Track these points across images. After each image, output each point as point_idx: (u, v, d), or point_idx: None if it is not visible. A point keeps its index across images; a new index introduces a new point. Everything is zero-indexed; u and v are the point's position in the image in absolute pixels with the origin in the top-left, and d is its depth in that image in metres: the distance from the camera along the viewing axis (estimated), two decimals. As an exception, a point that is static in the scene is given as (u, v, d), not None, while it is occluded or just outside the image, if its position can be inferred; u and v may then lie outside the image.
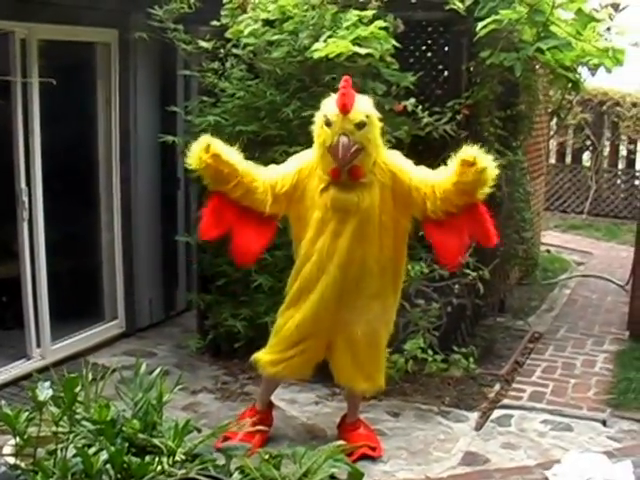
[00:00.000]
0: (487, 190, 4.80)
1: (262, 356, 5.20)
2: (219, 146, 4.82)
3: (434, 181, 4.90)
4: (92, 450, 2.76)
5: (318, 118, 4.86)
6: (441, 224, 4.92)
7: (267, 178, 4.98)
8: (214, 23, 6.49)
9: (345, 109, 4.67)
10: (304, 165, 5.03)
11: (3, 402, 2.94)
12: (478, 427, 5.76)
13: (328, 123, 4.73)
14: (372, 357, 5.18)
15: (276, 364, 5.13)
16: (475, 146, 4.74)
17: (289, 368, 5.15)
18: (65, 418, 2.78)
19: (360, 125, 4.71)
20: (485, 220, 4.91)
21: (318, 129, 4.85)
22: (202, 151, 4.75)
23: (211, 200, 4.97)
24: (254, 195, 4.91)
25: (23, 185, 6.23)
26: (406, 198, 4.95)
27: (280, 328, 5.16)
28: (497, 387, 6.45)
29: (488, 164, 4.69)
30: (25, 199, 6.23)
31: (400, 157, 5.13)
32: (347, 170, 4.81)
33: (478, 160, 4.65)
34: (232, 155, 4.86)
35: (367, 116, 4.76)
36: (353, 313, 5.05)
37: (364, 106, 4.81)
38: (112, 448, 2.67)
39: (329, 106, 4.80)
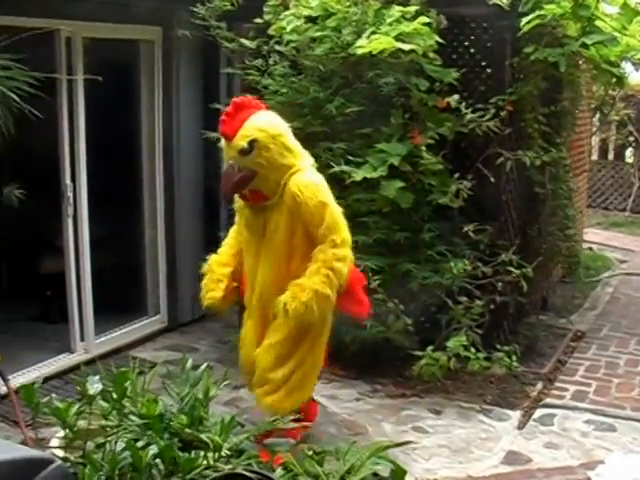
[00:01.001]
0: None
1: None
2: (214, 292, 5.05)
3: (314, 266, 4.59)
4: (140, 444, 2.78)
5: None
6: None
7: (235, 228, 5.14)
8: (257, 20, 6.51)
9: (226, 137, 4.53)
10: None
11: (53, 395, 2.97)
12: (520, 426, 5.73)
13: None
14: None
15: None
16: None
17: None
18: (114, 412, 2.80)
19: (243, 151, 4.48)
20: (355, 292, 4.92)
21: None
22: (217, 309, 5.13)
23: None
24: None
25: (68, 181, 6.30)
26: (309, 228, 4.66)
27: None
28: (539, 386, 6.41)
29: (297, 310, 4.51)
30: (70, 195, 6.30)
31: (316, 189, 4.63)
32: (249, 194, 4.67)
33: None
34: (218, 269, 5.08)
35: (253, 141, 4.47)
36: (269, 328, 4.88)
37: (251, 130, 4.50)
38: (162, 443, 2.69)
39: None
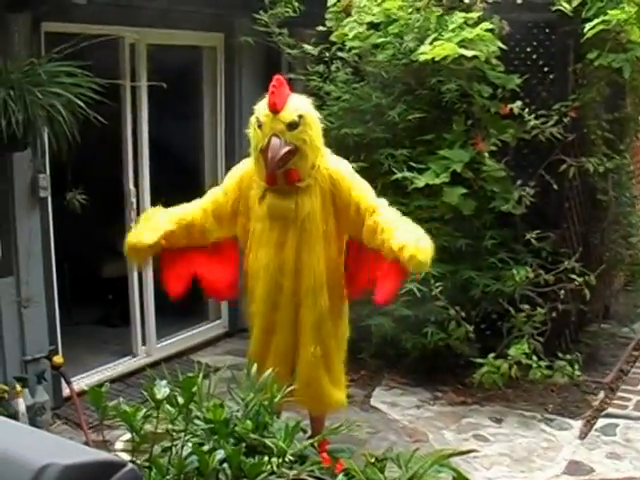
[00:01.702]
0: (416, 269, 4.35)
1: None
2: (145, 235, 4.70)
3: (380, 217, 4.46)
4: (204, 449, 2.80)
5: (250, 122, 4.58)
6: (361, 251, 4.64)
7: (202, 205, 4.80)
8: (319, 27, 6.53)
9: (275, 108, 4.38)
10: (244, 174, 4.72)
11: (121, 399, 3.01)
12: (582, 436, 5.67)
13: (259, 125, 4.44)
14: (329, 378, 4.80)
15: None
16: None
17: None
18: (180, 417, 2.83)
19: (292, 125, 4.38)
20: (396, 281, 4.42)
21: (252, 133, 4.54)
22: (135, 254, 4.81)
23: (160, 261, 4.90)
24: (193, 234, 4.73)
25: (131, 186, 6.38)
26: (345, 211, 4.60)
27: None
28: (601, 395, 6.34)
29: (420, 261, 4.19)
30: (133, 200, 6.38)
31: (347, 166, 4.75)
32: (282, 174, 4.48)
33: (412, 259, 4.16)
34: (159, 219, 4.78)
35: (300, 116, 4.42)
36: (308, 333, 4.66)
37: (297, 105, 4.49)
38: (229, 448, 2.71)
39: (260, 107, 4.51)
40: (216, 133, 7.21)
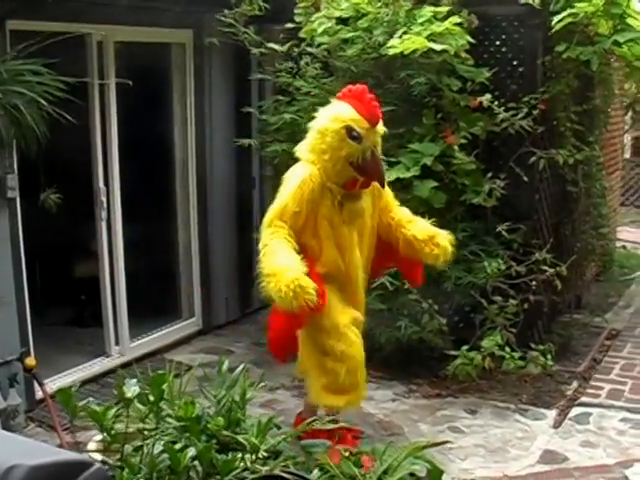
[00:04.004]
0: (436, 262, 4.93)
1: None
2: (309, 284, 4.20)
3: (405, 216, 5.00)
4: (177, 446, 2.79)
5: (330, 128, 4.46)
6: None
7: (288, 233, 4.48)
8: (288, 23, 6.52)
9: (377, 121, 4.47)
10: (314, 186, 4.51)
11: (90, 399, 3.00)
12: (556, 425, 5.70)
13: (356, 137, 4.41)
14: None
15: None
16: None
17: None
18: (151, 415, 2.82)
19: (382, 135, 4.62)
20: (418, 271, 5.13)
21: (336, 142, 4.44)
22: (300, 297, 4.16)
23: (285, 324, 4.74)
24: None
25: (101, 185, 6.34)
26: (381, 210, 4.95)
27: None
28: (575, 385, 6.37)
29: (447, 251, 4.84)
30: (103, 199, 6.34)
31: None
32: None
33: (443, 247, 4.82)
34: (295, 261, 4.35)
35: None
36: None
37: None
38: (200, 445, 2.70)
39: (347, 115, 4.44)
40: (186, 131, 7.18)
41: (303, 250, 4.57)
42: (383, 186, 4.67)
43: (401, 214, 5.00)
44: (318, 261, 4.65)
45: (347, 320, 4.72)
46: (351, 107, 4.46)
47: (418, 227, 4.92)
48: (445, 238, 4.88)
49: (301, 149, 4.70)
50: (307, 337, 4.87)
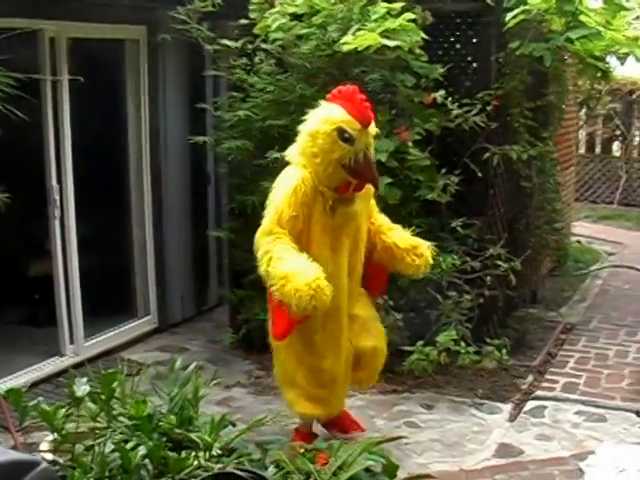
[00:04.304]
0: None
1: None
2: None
3: (385, 222, 4.99)
4: (129, 445, 2.78)
5: (321, 130, 4.39)
6: None
7: (289, 237, 4.42)
8: (242, 20, 6.48)
9: (369, 122, 4.40)
10: (307, 189, 4.45)
11: (40, 399, 2.96)
12: (512, 419, 5.73)
13: (347, 138, 4.34)
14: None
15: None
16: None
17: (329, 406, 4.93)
18: (102, 414, 2.80)
19: (374, 136, 4.57)
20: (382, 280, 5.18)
21: (327, 144, 4.37)
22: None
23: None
24: None
25: (54, 183, 6.27)
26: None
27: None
28: (530, 378, 6.42)
29: (428, 262, 4.86)
30: (57, 197, 6.27)
31: None
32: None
33: (425, 258, 4.83)
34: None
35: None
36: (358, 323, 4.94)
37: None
38: (150, 443, 2.69)
39: (338, 117, 4.37)
40: (140, 128, 7.12)
41: None
42: (377, 188, 4.63)
43: (381, 220, 4.96)
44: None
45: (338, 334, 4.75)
46: (342, 108, 4.39)
47: (399, 235, 4.89)
48: (427, 249, 4.86)
49: (291, 153, 4.63)
50: (285, 345, 4.79)
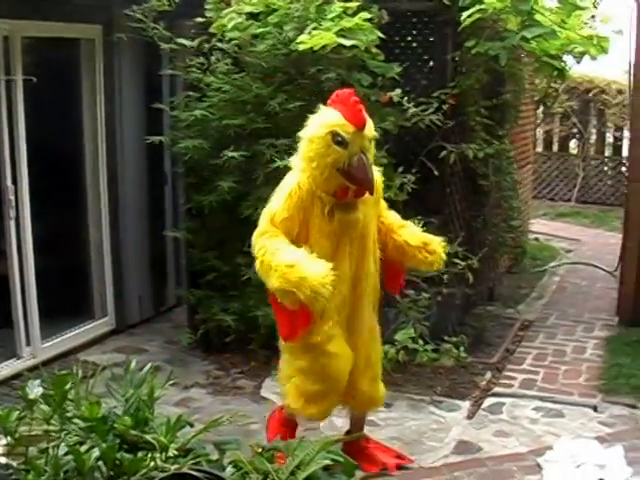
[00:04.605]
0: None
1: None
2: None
3: (396, 220, 4.89)
4: (84, 447, 2.76)
5: (316, 135, 4.31)
6: None
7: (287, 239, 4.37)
8: (198, 18, 6.46)
9: (363, 125, 4.27)
10: (303, 194, 4.39)
11: (-7, 401, 2.94)
12: (470, 416, 5.76)
13: (341, 142, 4.24)
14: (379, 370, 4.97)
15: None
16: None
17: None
18: (56, 416, 2.77)
19: (372, 140, 4.40)
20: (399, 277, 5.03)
21: (322, 148, 4.29)
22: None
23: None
24: None
25: (9, 183, 6.20)
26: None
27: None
28: (488, 375, 6.45)
29: (441, 258, 4.76)
30: (12, 197, 6.20)
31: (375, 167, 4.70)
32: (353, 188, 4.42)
33: (438, 254, 4.73)
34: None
35: (372, 127, 4.43)
36: (365, 336, 4.74)
37: (368, 117, 4.40)
38: (104, 445, 2.67)
39: (332, 120, 4.28)
40: (97, 127, 7.06)
41: None
42: (372, 193, 4.43)
43: (391, 218, 4.88)
44: None
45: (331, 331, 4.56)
46: (337, 112, 4.31)
47: (410, 232, 4.81)
48: (439, 245, 4.78)
49: (294, 158, 4.57)
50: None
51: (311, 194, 4.39)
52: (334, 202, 4.41)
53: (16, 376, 6.12)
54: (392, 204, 6.14)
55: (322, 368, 4.53)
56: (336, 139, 4.23)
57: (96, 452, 2.64)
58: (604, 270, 9.75)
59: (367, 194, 4.45)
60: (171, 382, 3.40)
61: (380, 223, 4.81)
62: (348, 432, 5.06)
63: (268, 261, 4.19)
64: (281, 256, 4.16)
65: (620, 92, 14.60)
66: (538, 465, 4.84)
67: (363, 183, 4.33)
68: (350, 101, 4.30)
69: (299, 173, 4.45)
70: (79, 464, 2.61)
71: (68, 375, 2.75)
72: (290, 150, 5.98)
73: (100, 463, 2.63)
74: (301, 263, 4.08)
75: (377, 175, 4.63)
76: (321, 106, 4.47)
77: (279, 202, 4.40)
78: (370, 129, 4.34)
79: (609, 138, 15.58)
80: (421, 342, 6.04)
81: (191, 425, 3.29)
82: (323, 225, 4.41)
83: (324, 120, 4.32)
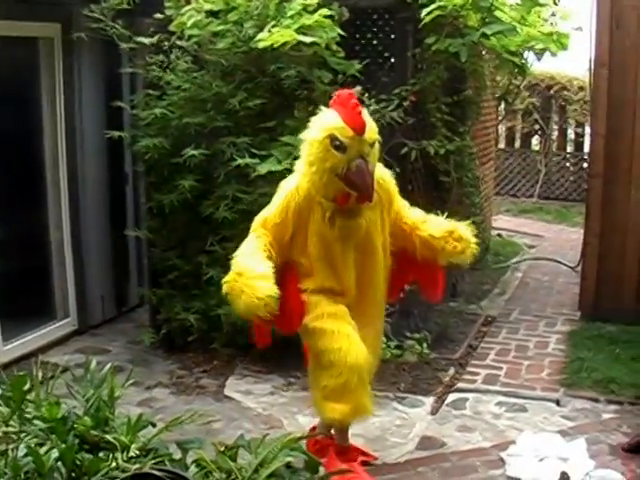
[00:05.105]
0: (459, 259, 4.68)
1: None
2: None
3: (418, 217, 4.72)
4: (44, 449, 2.73)
5: (316, 138, 4.23)
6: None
7: (268, 241, 4.33)
8: (157, 16, 6.42)
9: (363, 129, 4.14)
10: (300, 200, 4.34)
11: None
12: (434, 411, 5.78)
13: (339, 146, 4.13)
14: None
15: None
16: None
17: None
18: (15, 417, 2.75)
19: (373, 144, 4.25)
20: (438, 279, 4.86)
21: (321, 152, 4.19)
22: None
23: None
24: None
25: (-32, 184, 6.15)
26: (393, 220, 4.66)
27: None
28: (452, 371, 6.48)
29: (471, 243, 4.62)
30: (-29, 198, 6.16)
31: (387, 171, 4.71)
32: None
33: (466, 240, 4.59)
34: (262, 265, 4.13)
35: (374, 131, 4.29)
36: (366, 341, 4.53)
37: (369, 120, 4.28)
38: (62, 445, 2.65)
39: (331, 124, 4.18)
40: (56, 127, 7.00)
41: (294, 267, 4.44)
42: (370, 200, 4.30)
43: (414, 217, 4.71)
44: (309, 278, 4.44)
45: (338, 326, 4.42)
46: (337, 115, 4.20)
47: (434, 225, 4.64)
48: (465, 230, 4.64)
49: (298, 162, 4.49)
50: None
51: (310, 199, 4.32)
52: (335, 208, 4.33)
53: (-23, 379, 6.06)
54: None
55: (335, 357, 4.35)
56: (334, 143, 4.13)
57: (55, 453, 2.61)
58: (566, 265, 9.83)
59: (379, 197, 4.40)
60: (132, 382, 3.38)
61: (403, 224, 4.67)
62: (312, 429, 5.04)
63: (236, 260, 4.17)
64: (243, 261, 4.12)
65: (581, 88, 14.71)
66: (501, 459, 4.88)
67: (361, 189, 4.21)
68: (349, 104, 4.19)
69: (299, 177, 4.38)
70: (38, 465, 2.58)
71: (26, 376, 2.73)
72: (251, 148, 6.02)
73: (59, 464, 2.61)
74: (249, 275, 4.00)
75: (387, 177, 4.60)
76: (323, 108, 4.41)
77: (274, 206, 4.37)
78: (371, 133, 4.22)
79: (571, 134, 15.70)
80: (384, 339, 6.03)
81: (153, 425, 3.27)
82: (323, 232, 4.35)
83: (324, 123, 4.23)
